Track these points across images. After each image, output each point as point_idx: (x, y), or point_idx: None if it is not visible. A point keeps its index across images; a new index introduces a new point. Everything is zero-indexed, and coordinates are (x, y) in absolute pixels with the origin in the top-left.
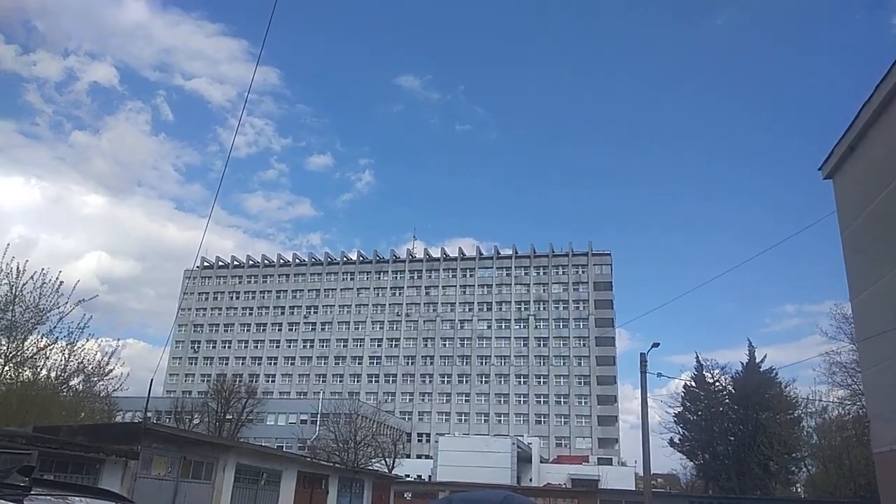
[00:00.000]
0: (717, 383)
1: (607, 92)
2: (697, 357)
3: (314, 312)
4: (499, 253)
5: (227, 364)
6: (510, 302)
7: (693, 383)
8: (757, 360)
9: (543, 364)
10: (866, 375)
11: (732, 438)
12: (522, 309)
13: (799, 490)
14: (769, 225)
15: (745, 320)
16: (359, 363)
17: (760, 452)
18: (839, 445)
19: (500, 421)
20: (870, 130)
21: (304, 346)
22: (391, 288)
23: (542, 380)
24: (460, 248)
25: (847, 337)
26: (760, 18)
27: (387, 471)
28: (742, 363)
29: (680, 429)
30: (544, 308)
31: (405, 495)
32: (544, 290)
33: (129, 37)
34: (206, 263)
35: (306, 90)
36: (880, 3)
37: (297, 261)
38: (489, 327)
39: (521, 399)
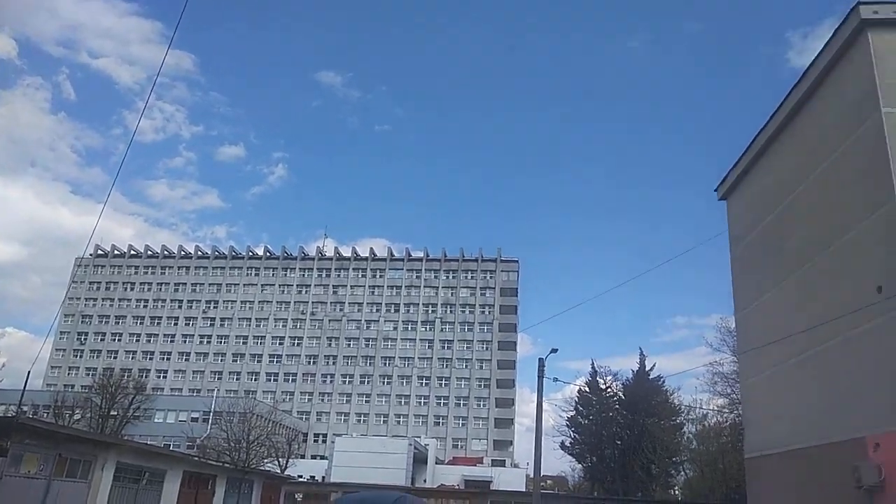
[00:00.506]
0: (609, 389)
1: (526, 104)
2: (593, 364)
3: (214, 307)
4: (410, 255)
5: (115, 358)
6: (418, 304)
7: (587, 389)
8: (647, 369)
9: (446, 366)
10: (744, 386)
11: (619, 442)
12: (430, 311)
13: (677, 492)
14: (667, 241)
15: (640, 330)
16: (258, 361)
17: (644, 456)
18: (716, 451)
19: (399, 422)
20: (762, 158)
21: (200, 342)
22: (298, 285)
23: (443, 382)
24: (371, 249)
25: (729, 349)
26: (671, 45)
27: (279, 471)
28: (633, 371)
29: (572, 432)
30: (451, 311)
31: (296, 496)
32: (452, 293)
33: (31, 7)
34: (100, 252)
35: (222, 78)
36: (779, 40)
37: (200, 253)
38: (395, 329)
39: (422, 401)
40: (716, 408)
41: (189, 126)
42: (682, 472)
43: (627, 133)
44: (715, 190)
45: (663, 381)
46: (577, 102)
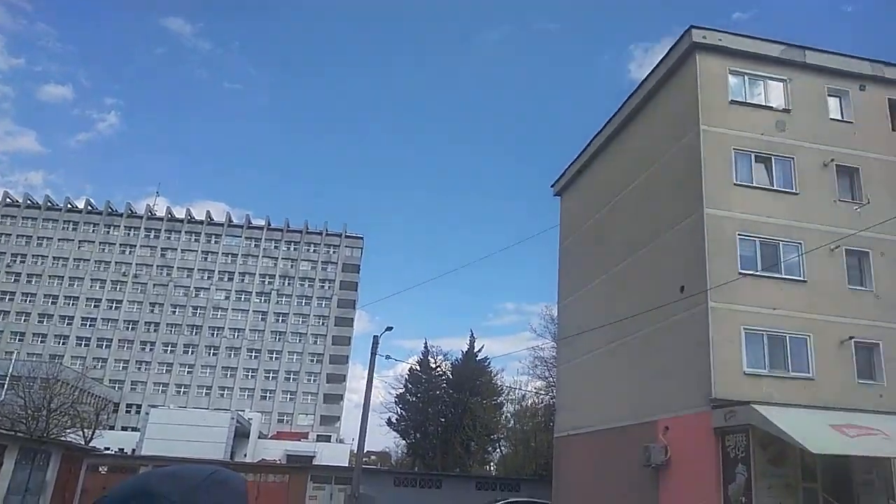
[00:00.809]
0: (439, 369)
1: (385, 81)
2: (426, 343)
3: (20, 261)
4: (250, 222)
5: None
6: (254, 274)
7: (418, 367)
8: (475, 350)
9: (279, 340)
10: (560, 370)
11: (443, 420)
12: (266, 282)
13: (492, 468)
14: (506, 229)
15: (473, 312)
16: (68, 324)
17: (465, 434)
18: (530, 430)
19: (223, 395)
20: (595, 160)
21: (2, 298)
22: (121, 245)
23: (274, 355)
24: (208, 212)
25: (551, 336)
26: (529, 39)
27: (83, 443)
28: (462, 351)
29: (399, 409)
30: (289, 284)
31: (100, 469)
32: (292, 265)
33: None
34: None
35: (53, 9)
36: (623, 51)
37: (9, 200)
38: (227, 298)
39: (250, 374)
40: (534, 389)
41: (7, 57)
42: (499, 450)
43: (479, 122)
44: (552, 185)
45: (489, 363)
46: (434, 81)
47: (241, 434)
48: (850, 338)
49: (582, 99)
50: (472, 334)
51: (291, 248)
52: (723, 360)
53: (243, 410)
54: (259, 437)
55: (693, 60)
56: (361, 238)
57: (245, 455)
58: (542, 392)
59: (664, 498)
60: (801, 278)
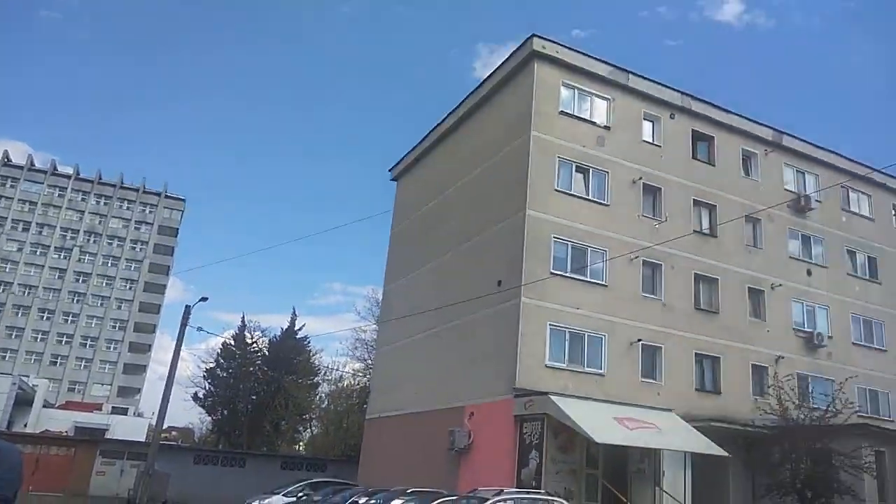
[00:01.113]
0: (256, 344)
1: (226, 40)
2: (243, 317)
3: None
4: (55, 168)
5: None
6: (55, 227)
7: (232, 342)
8: (296, 328)
9: (77, 301)
10: (378, 353)
11: (255, 397)
12: (69, 237)
13: (301, 448)
14: (344, 208)
15: (298, 289)
16: None
17: (276, 412)
18: (343, 411)
19: (5, 357)
20: (434, 150)
21: None
22: None
23: (70, 318)
24: (6, 152)
25: (374, 319)
26: (381, 22)
27: None
28: (282, 328)
29: (208, 384)
30: (95, 241)
31: None
32: (100, 221)
33: None
34: None
35: None
36: (471, 49)
37: None
38: (20, 251)
39: (39, 336)
40: (352, 371)
41: None
42: (310, 430)
43: (324, 96)
44: (389, 170)
45: (309, 342)
46: (282, 49)
47: (22, 402)
48: (639, 340)
49: (427, 88)
50: (294, 312)
51: (102, 203)
52: (528, 353)
53: (28, 376)
54: (44, 407)
55: (531, 68)
56: (183, 200)
57: (25, 425)
58: (360, 374)
59: (463, 480)
60: (604, 283)
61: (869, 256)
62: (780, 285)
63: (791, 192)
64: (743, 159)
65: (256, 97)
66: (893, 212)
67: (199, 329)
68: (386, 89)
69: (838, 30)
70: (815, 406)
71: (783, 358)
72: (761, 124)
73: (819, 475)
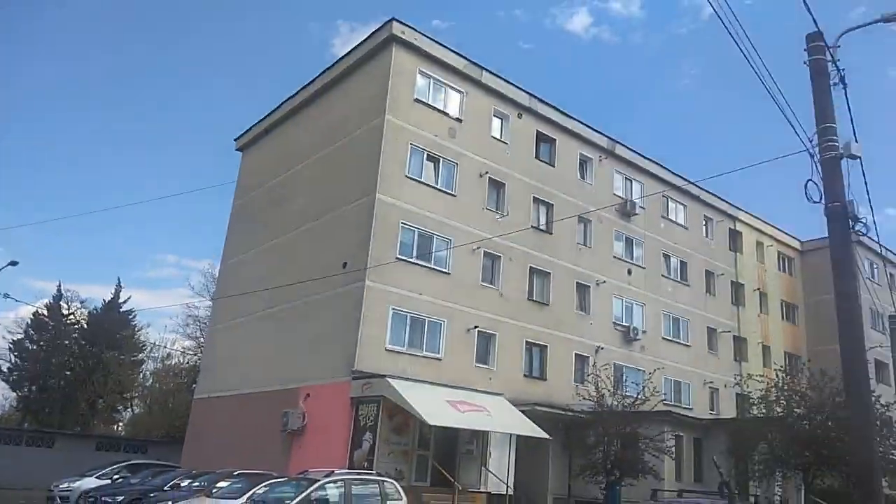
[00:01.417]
0: (73, 316)
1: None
2: (59, 286)
3: None
4: None
5: None
6: None
7: (45, 312)
8: (120, 300)
9: None
10: (212, 331)
11: (69, 373)
12: None
13: (120, 428)
14: (185, 176)
15: (126, 259)
16: None
17: (93, 390)
18: (169, 390)
19: None
20: (283, 124)
21: None
22: None
23: None
24: None
25: (210, 295)
26: None
27: None
28: (104, 300)
29: (14, 357)
30: None
31: None
32: None
33: None
34: None
35: None
36: (331, 25)
37: None
38: None
39: None
40: (181, 349)
41: None
42: (131, 409)
43: (174, 52)
44: (235, 139)
45: (135, 316)
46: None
47: None
48: (475, 327)
49: (282, 59)
50: (119, 283)
51: None
52: (369, 336)
53: None
54: None
55: (389, 52)
56: None
57: None
58: (191, 352)
59: (295, 462)
60: (447, 270)
61: (681, 261)
62: (605, 282)
63: (619, 197)
64: (580, 163)
65: (95, 45)
66: (703, 222)
67: (6, 296)
68: (237, 53)
69: (671, 53)
70: (628, 394)
71: (602, 349)
72: (598, 132)
73: (627, 457)
